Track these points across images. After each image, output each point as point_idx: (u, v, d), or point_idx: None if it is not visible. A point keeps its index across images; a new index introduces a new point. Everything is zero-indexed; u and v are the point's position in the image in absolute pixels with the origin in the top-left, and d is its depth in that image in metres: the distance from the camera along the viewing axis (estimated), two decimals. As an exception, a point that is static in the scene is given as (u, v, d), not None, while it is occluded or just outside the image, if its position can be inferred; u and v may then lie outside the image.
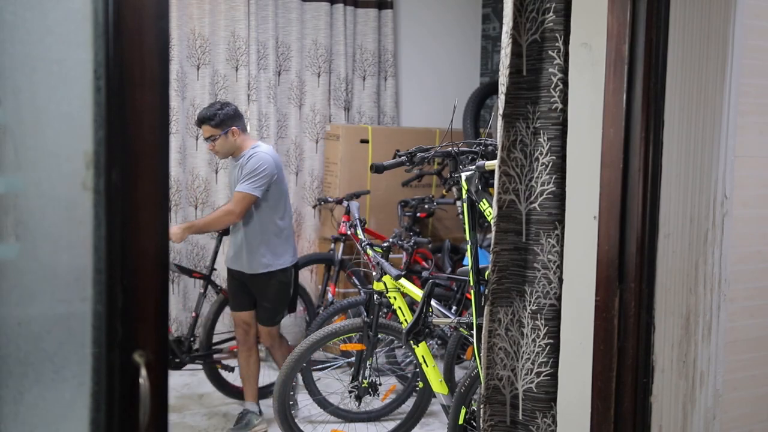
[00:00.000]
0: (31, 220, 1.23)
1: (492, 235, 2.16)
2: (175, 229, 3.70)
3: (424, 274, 4.47)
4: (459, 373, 4.21)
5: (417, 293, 3.34)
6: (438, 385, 3.37)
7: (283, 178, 3.84)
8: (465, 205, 2.86)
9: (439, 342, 4.39)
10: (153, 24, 1.11)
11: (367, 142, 5.09)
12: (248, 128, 5.18)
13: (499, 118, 2.11)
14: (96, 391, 1.11)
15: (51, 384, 1.22)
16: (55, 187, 1.19)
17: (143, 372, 1.10)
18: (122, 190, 1.10)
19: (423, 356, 3.37)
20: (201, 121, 3.73)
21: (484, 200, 2.80)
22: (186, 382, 4.57)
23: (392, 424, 3.90)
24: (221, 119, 3.72)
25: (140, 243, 1.12)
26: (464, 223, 2.90)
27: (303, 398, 4.15)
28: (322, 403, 3.94)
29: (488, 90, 5.49)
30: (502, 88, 2.10)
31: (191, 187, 5.01)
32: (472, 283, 2.84)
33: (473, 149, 3.09)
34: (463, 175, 2.89)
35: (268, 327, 3.91)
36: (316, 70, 5.31)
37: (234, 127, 3.73)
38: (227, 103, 3.83)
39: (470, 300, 4.40)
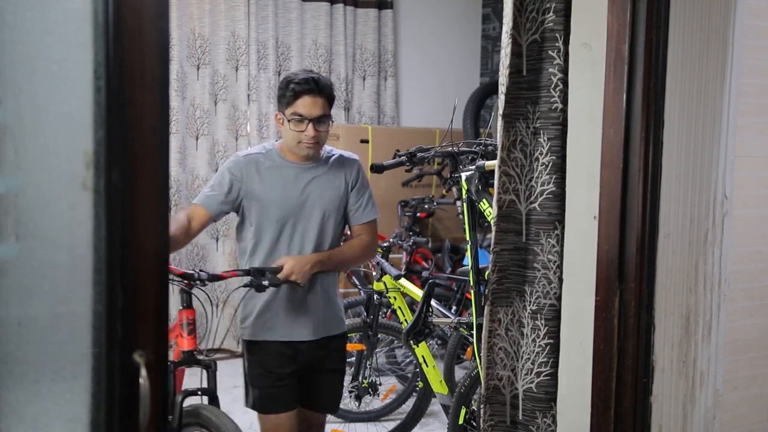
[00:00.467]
0: (31, 220, 1.23)
1: (492, 235, 2.16)
2: (298, 263, 2.46)
3: (424, 274, 4.47)
4: (459, 373, 4.21)
5: (417, 293, 3.34)
6: (438, 385, 3.37)
7: None
8: (465, 205, 2.86)
9: (439, 342, 4.40)
10: (153, 24, 1.11)
11: (367, 142, 5.09)
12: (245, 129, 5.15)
13: (499, 118, 2.11)
14: (96, 391, 1.11)
15: (51, 384, 1.22)
16: (55, 187, 1.19)
17: (143, 372, 1.10)
18: (122, 190, 1.09)
19: (423, 356, 3.37)
20: (322, 90, 2.49)
21: (484, 200, 2.80)
22: (186, 382, 4.56)
23: (392, 424, 3.90)
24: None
25: (140, 243, 1.12)
26: (464, 223, 2.91)
27: (303, 398, 4.15)
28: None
29: (488, 90, 5.49)
30: (502, 88, 2.10)
31: (191, 187, 5.01)
32: (472, 283, 2.85)
33: (473, 149, 3.09)
34: (463, 175, 2.89)
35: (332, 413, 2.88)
36: (316, 70, 5.31)
37: None
38: None
39: (470, 300, 4.41)
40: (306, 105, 2.45)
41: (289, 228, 2.54)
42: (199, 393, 2.60)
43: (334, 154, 2.63)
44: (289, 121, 2.49)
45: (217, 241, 5.11)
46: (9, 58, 1.19)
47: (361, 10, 5.48)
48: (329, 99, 2.51)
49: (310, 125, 2.46)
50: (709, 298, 2.02)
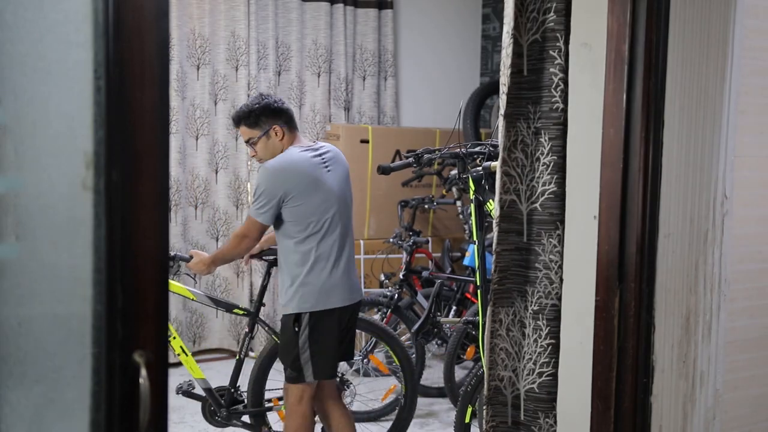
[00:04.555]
0: (31, 220, 1.23)
1: (494, 236, 2.16)
2: (199, 262, 3.19)
3: (424, 274, 4.47)
4: (459, 373, 4.21)
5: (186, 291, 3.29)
6: (198, 372, 3.36)
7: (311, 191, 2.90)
8: (473, 205, 2.87)
9: (438, 342, 4.40)
10: (153, 24, 1.11)
11: (367, 142, 5.09)
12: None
13: (500, 118, 2.11)
14: (96, 391, 1.11)
15: (51, 384, 1.22)
16: (55, 187, 1.19)
17: (143, 372, 1.10)
18: (122, 190, 1.09)
19: (181, 346, 3.37)
20: (238, 122, 3.05)
21: (490, 201, 2.80)
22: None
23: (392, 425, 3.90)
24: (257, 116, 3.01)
25: (140, 243, 1.12)
26: (471, 224, 2.91)
27: (303, 398, 4.14)
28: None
29: (488, 90, 5.49)
30: (503, 88, 2.09)
31: (191, 187, 5.02)
32: (478, 283, 2.85)
33: (482, 150, 3.10)
34: (471, 176, 2.89)
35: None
36: (316, 70, 5.31)
37: (276, 126, 2.99)
38: (265, 95, 3.09)
39: (469, 300, 4.41)
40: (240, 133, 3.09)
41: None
42: None
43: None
44: None
45: (217, 240, 5.11)
46: (9, 58, 1.19)
47: (361, 10, 5.48)
48: (248, 123, 3.00)
49: (250, 148, 3.07)
50: (709, 298, 2.02)
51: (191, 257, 3.20)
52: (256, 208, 2.91)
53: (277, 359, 3.24)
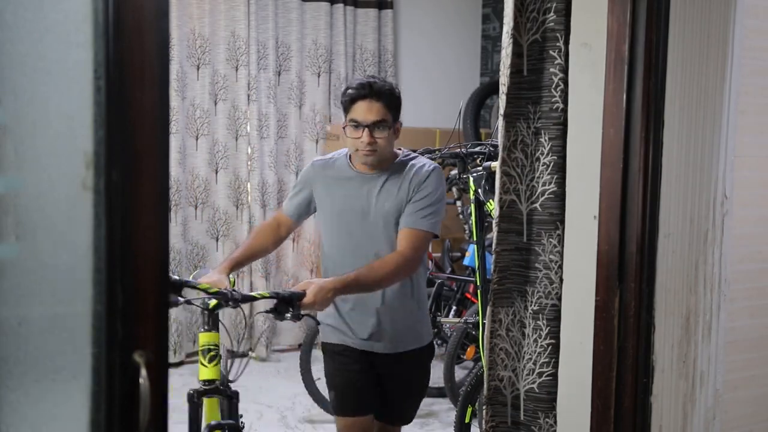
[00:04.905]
0: (31, 220, 1.23)
1: (494, 236, 2.16)
2: (321, 290, 2.19)
3: (424, 274, 4.48)
4: (459, 373, 4.21)
5: None
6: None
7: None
8: (473, 206, 2.87)
9: (438, 342, 4.40)
10: (153, 24, 1.11)
11: (367, 142, 5.09)
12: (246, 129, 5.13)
13: (500, 118, 2.11)
14: (96, 391, 1.11)
15: (51, 384, 1.22)
16: (55, 187, 1.19)
17: (143, 372, 1.10)
18: (122, 190, 1.09)
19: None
20: (378, 94, 2.39)
21: (490, 201, 2.81)
22: (186, 382, 4.57)
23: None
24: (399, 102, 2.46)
25: (140, 243, 1.12)
26: (471, 224, 2.92)
27: (304, 399, 4.15)
28: (323, 402, 3.94)
29: (488, 90, 5.49)
30: (503, 88, 2.10)
31: (191, 187, 5.02)
32: (478, 284, 2.85)
33: (482, 150, 3.10)
34: (471, 176, 2.90)
35: None
36: (316, 70, 5.31)
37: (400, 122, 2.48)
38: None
39: (469, 300, 4.41)
40: (361, 110, 2.35)
41: (353, 239, 2.41)
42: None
43: (406, 161, 2.48)
44: (345, 128, 2.40)
45: (217, 240, 5.11)
46: (9, 58, 1.19)
47: (361, 10, 5.48)
48: (389, 103, 2.38)
49: (366, 131, 2.34)
50: (709, 298, 2.02)
51: (304, 293, 2.21)
52: (435, 220, 2.41)
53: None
